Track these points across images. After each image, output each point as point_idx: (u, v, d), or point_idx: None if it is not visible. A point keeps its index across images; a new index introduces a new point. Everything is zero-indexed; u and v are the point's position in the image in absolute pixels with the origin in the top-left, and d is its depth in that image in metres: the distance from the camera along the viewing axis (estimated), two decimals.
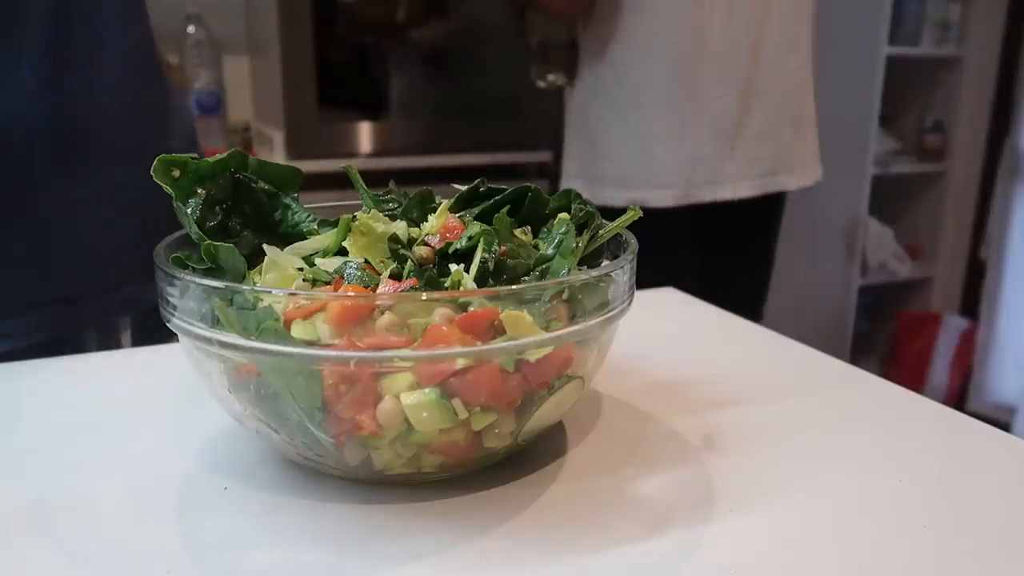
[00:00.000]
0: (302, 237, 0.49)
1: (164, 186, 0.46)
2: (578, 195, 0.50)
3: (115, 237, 0.68)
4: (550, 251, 0.45)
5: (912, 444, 0.50)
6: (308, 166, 1.05)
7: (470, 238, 0.44)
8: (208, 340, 0.39)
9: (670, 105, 1.33)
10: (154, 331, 0.64)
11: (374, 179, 0.52)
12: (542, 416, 0.43)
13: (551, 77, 1.49)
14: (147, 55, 0.73)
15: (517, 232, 0.47)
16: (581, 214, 0.48)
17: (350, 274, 0.43)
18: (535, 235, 0.49)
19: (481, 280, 0.42)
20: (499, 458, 0.44)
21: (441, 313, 0.38)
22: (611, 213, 0.49)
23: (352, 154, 1.89)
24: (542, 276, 0.44)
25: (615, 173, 1.37)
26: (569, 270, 0.44)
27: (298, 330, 0.38)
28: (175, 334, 0.42)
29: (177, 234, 0.47)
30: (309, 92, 1.82)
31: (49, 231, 0.64)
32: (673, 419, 0.52)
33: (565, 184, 1.44)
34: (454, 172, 1.92)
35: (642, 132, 1.34)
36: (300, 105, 1.82)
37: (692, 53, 1.31)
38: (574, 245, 0.45)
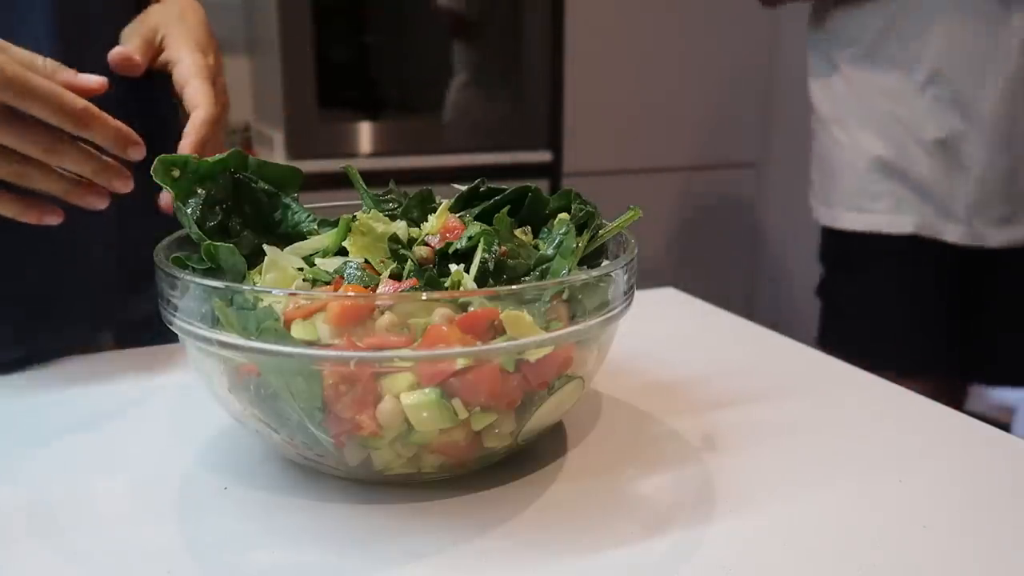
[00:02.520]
0: (302, 237, 0.49)
1: (164, 186, 0.46)
2: (578, 195, 0.50)
3: (92, 246, 0.66)
4: (550, 251, 0.45)
5: (912, 444, 0.50)
6: (308, 166, 1.05)
7: (470, 238, 0.44)
8: (208, 340, 0.39)
9: None
10: (135, 344, 0.64)
11: (374, 179, 0.52)
12: (542, 416, 0.43)
13: None
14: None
15: (517, 232, 0.47)
16: (581, 214, 0.48)
17: (350, 274, 0.43)
18: (535, 235, 0.49)
19: (481, 280, 0.42)
20: (499, 458, 0.44)
21: (441, 313, 0.38)
22: None
23: (352, 154, 1.89)
24: (542, 276, 0.44)
25: None
26: (569, 270, 0.44)
27: (298, 330, 0.38)
28: (171, 337, 0.42)
29: (177, 234, 0.47)
30: (309, 92, 1.82)
31: (21, 235, 0.61)
32: (673, 419, 0.52)
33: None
34: (454, 172, 1.92)
35: None
36: (300, 105, 1.82)
37: None
38: (574, 245, 0.45)
